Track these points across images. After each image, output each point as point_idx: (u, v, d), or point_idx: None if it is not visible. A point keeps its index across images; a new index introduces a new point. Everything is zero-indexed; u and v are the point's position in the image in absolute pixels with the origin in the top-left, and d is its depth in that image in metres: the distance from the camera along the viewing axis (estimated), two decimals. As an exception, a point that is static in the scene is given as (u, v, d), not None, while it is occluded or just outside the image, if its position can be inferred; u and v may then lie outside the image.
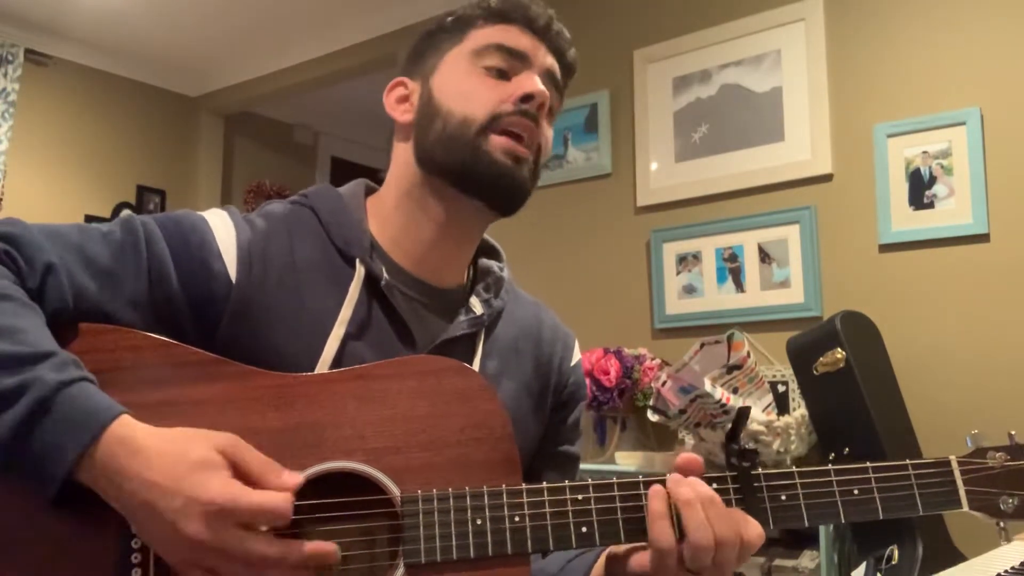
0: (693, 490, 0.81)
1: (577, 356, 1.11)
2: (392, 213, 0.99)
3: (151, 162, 4.59)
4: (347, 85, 4.40)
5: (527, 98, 0.94)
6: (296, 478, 0.76)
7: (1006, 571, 1.18)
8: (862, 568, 2.12)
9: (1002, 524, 0.85)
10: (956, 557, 2.05)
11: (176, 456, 0.73)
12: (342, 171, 5.31)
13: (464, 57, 0.97)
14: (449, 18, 1.01)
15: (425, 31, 1.03)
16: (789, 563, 2.28)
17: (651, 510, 0.81)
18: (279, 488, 0.74)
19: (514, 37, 0.97)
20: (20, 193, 4.00)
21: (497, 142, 0.93)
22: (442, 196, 0.96)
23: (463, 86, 0.95)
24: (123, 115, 4.48)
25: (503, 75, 0.96)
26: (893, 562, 2.05)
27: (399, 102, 1.01)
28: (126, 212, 4.40)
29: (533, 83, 0.94)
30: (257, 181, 4.79)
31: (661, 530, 0.80)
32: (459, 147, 0.93)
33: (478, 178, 0.93)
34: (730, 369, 2.30)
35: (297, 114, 5.17)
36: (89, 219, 4.26)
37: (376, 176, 1.07)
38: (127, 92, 4.50)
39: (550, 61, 0.99)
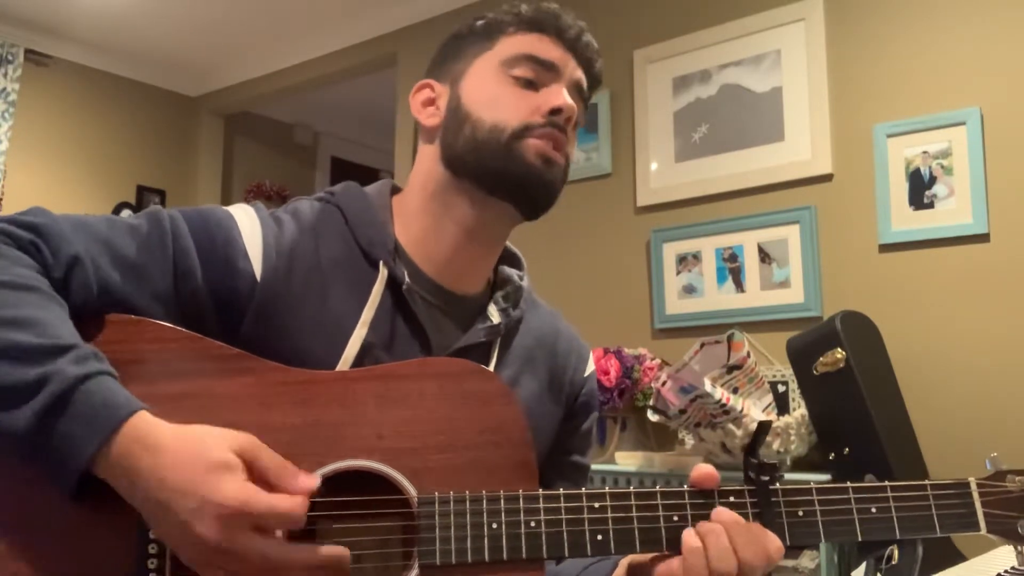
0: (717, 518, 0.82)
1: (591, 367, 1.11)
2: (416, 215, 0.99)
3: (151, 162, 4.59)
4: (347, 85, 4.40)
5: (556, 111, 0.94)
6: (312, 480, 0.76)
7: (1006, 571, 1.18)
8: (862, 568, 2.12)
9: (1021, 548, 0.85)
10: (956, 557, 2.05)
11: (193, 456, 0.73)
12: (342, 171, 5.31)
13: (494, 64, 0.96)
14: (479, 22, 1.00)
15: (453, 33, 1.03)
16: (789, 563, 2.28)
17: (685, 543, 0.82)
18: (294, 491, 0.74)
19: (545, 48, 0.97)
20: (20, 193, 4.00)
21: (530, 145, 0.93)
22: (469, 198, 0.96)
23: (492, 93, 0.95)
24: (123, 115, 4.48)
25: (532, 86, 0.95)
26: (893, 562, 2.05)
27: (425, 105, 1.00)
28: (131, 214, 4.40)
29: (562, 97, 0.94)
30: (257, 181, 4.80)
31: (696, 559, 0.81)
32: (490, 151, 0.93)
33: (510, 179, 0.93)
34: (730, 369, 2.30)
35: (297, 114, 5.17)
36: (89, 219, 4.26)
37: (377, 176, 1.07)
38: (127, 92, 4.50)
39: (579, 74, 0.99)
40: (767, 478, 0.84)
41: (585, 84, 1.00)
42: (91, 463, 0.73)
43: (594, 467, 2.61)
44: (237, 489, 0.72)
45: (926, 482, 0.86)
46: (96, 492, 0.75)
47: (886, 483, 0.86)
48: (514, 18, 0.98)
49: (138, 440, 0.73)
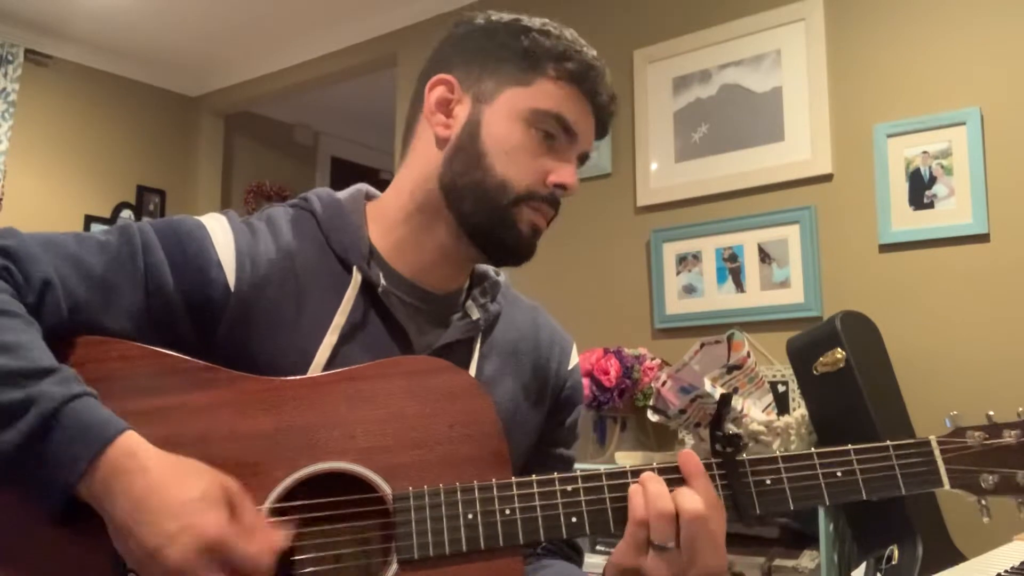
0: (642, 476, 0.85)
1: (575, 360, 1.11)
2: (398, 224, 0.98)
3: (151, 162, 4.59)
4: (347, 85, 4.40)
5: (561, 186, 0.95)
6: (282, 539, 0.77)
7: (1006, 571, 1.18)
8: (862, 568, 2.11)
9: (983, 501, 0.88)
10: (956, 557, 2.05)
11: (180, 481, 0.74)
12: (342, 171, 5.31)
13: (524, 108, 0.94)
14: (523, 38, 0.95)
15: (487, 31, 0.98)
16: (789, 563, 2.27)
17: (629, 495, 0.85)
18: (265, 543, 0.76)
19: (575, 109, 0.95)
20: (20, 193, 4.00)
21: (525, 214, 0.94)
22: (452, 231, 0.96)
23: (513, 144, 0.93)
24: (123, 115, 4.48)
25: (548, 143, 0.95)
26: (893, 562, 2.05)
27: (439, 106, 0.97)
28: (124, 219, 4.40)
29: (571, 174, 0.95)
30: (257, 181, 4.80)
31: (635, 504, 0.84)
32: (489, 208, 0.93)
33: (496, 241, 0.95)
34: (730, 369, 2.30)
35: (297, 114, 5.17)
36: (89, 219, 4.27)
37: (377, 177, 1.06)
38: (127, 92, 4.51)
39: (591, 145, 0.99)
40: (732, 449, 0.86)
41: (592, 150, 1.01)
42: (79, 483, 0.73)
43: (594, 467, 2.60)
44: (221, 523, 0.73)
45: (888, 443, 0.88)
46: (78, 518, 0.75)
47: (849, 447, 0.88)
48: (558, 62, 0.95)
49: (129, 457, 0.74)
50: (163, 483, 0.74)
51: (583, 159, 0.99)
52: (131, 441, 0.75)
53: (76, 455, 0.73)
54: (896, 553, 2.06)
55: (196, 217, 0.94)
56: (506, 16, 0.99)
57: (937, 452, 0.88)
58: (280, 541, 0.77)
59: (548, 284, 3.03)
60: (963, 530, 2.14)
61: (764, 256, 2.72)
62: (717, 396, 2.19)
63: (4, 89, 3.90)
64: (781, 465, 0.87)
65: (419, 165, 0.98)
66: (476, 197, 0.93)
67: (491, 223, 0.94)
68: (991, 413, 0.91)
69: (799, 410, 2.36)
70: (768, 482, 0.86)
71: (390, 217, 0.99)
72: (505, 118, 0.94)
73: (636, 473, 0.85)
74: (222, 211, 0.97)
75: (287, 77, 4.37)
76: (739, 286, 2.76)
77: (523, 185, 0.93)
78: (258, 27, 4.09)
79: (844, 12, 2.65)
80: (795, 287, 2.65)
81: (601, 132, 1.01)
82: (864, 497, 0.86)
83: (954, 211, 2.40)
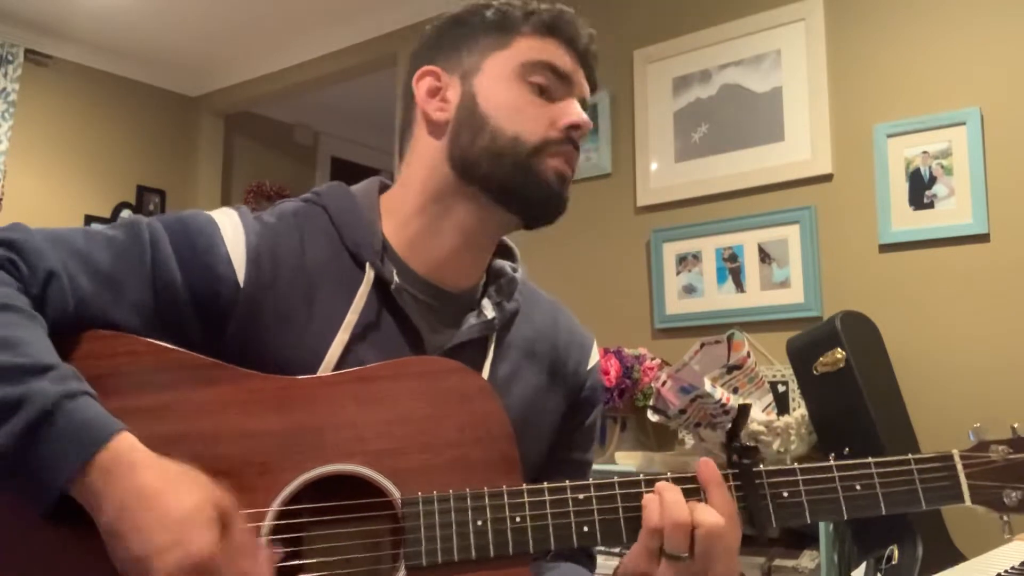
0: (658, 485, 0.84)
1: (595, 359, 1.09)
2: (412, 215, 0.96)
3: (151, 162, 4.59)
4: (347, 85, 4.40)
5: (574, 127, 0.94)
6: (273, 561, 0.76)
7: (1006, 571, 1.18)
8: (862, 568, 2.12)
9: (1005, 518, 0.85)
10: (956, 557, 2.05)
11: (174, 491, 0.72)
12: (342, 171, 5.31)
13: (511, 67, 0.94)
14: (488, 12, 0.97)
15: (454, 18, 0.99)
16: (789, 563, 2.27)
17: (643, 503, 0.84)
18: (254, 568, 0.74)
19: (560, 56, 0.95)
20: (20, 193, 4.00)
21: (547, 163, 0.92)
22: (475, 204, 0.95)
23: (512, 101, 0.93)
24: (123, 115, 4.48)
25: (545, 94, 0.94)
26: (893, 562, 2.05)
27: (430, 95, 0.97)
28: (131, 214, 4.40)
29: (579, 113, 0.94)
30: (257, 181, 4.79)
31: (650, 512, 0.83)
32: (509, 164, 0.92)
33: (525, 195, 0.93)
34: (730, 369, 2.30)
35: (297, 114, 5.17)
36: (89, 219, 4.26)
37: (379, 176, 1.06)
38: (127, 92, 4.50)
39: (586, 88, 0.98)
40: (749, 461, 0.84)
41: (588, 98, 0.99)
42: (70, 483, 0.72)
43: (594, 467, 2.60)
44: (210, 546, 0.71)
45: (909, 456, 0.86)
46: (71, 515, 0.73)
47: (869, 459, 0.85)
48: (529, 18, 0.95)
49: (123, 461, 0.72)
50: (156, 491, 0.71)
51: (583, 106, 0.98)
52: (125, 443, 0.73)
53: (67, 456, 0.71)
54: (896, 553, 2.06)
55: (207, 212, 0.92)
56: (465, 4, 1.00)
57: (960, 467, 0.86)
58: (270, 565, 0.75)
59: (548, 284, 3.01)
60: (963, 530, 2.14)
61: (764, 256, 2.72)
62: (718, 396, 2.19)
63: (4, 89, 3.90)
64: (799, 477, 0.85)
65: (424, 157, 0.97)
66: (492, 158, 0.92)
67: (516, 179, 0.92)
68: (1015, 425, 0.87)
69: (799, 410, 2.36)
70: (785, 495, 0.84)
71: (403, 212, 0.97)
72: (497, 82, 0.94)
73: (650, 483, 0.84)
74: (234, 206, 0.95)
75: (287, 77, 4.37)
76: (739, 286, 2.76)
77: (536, 136, 0.92)
78: (258, 27, 4.09)
79: (844, 12, 2.65)
80: (795, 287, 2.65)
81: (590, 77, 0.99)
82: (883, 512, 0.84)
83: (954, 211, 2.40)
